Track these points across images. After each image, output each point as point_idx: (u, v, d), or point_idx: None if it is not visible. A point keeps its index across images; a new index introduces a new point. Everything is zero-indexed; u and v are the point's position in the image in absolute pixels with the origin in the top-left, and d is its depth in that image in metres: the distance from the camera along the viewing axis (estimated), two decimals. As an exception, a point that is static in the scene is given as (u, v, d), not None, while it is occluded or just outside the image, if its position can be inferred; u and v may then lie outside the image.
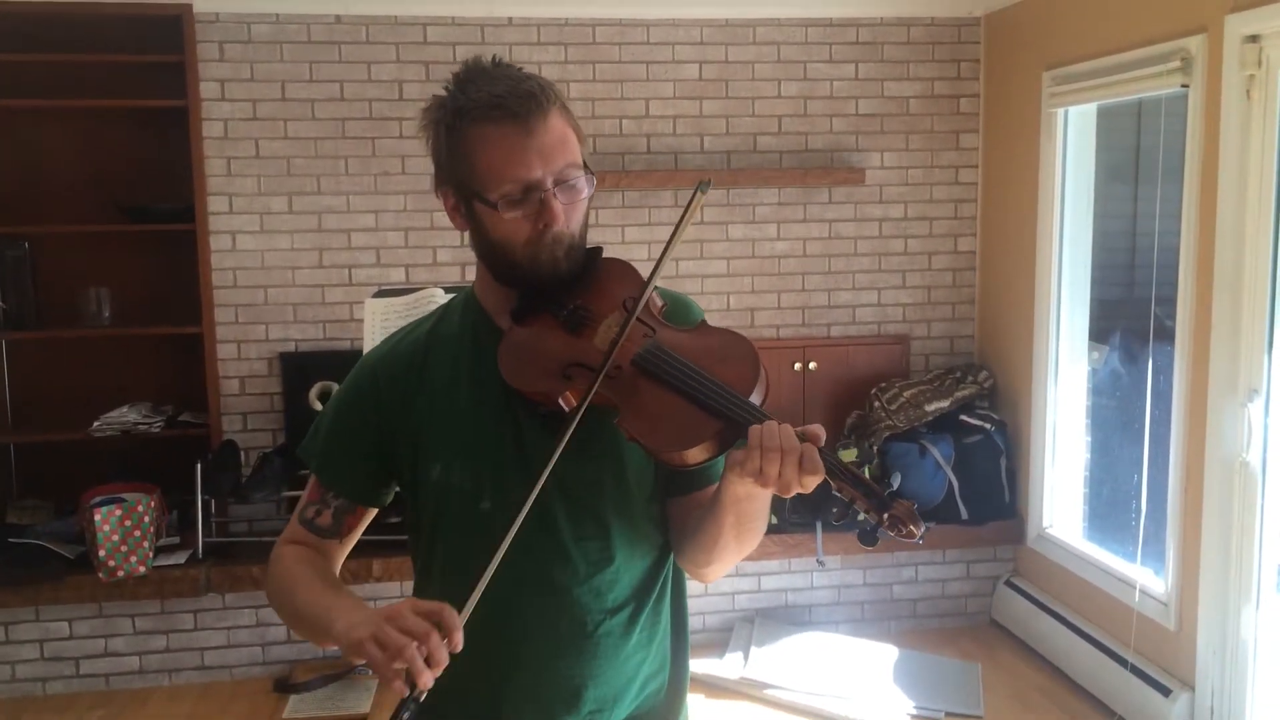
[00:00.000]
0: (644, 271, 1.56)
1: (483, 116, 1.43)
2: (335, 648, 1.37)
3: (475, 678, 1.53)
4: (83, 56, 4.06)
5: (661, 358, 1.43)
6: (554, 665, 1.54)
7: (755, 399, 1.39)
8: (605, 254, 1.60)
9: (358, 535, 1.67)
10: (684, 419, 1.38)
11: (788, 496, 1.33)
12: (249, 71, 4.24)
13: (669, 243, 1.49)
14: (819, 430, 1.33)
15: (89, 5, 3.99)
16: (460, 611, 1.30)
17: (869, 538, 1.31)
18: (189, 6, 4.09)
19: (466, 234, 1.55)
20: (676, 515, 1.59)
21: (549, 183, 1.44)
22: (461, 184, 1.49)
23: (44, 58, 4.06)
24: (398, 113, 4.31)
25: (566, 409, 1.43)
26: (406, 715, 1.26)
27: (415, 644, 1.24)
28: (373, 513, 1.67)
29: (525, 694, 1.54)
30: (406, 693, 1.25)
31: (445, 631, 1.27)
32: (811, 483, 1.31)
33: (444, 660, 1.26)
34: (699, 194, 1.47)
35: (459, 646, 1.27)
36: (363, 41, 4.29)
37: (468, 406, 1.54)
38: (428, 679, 1.25)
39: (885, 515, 1.29)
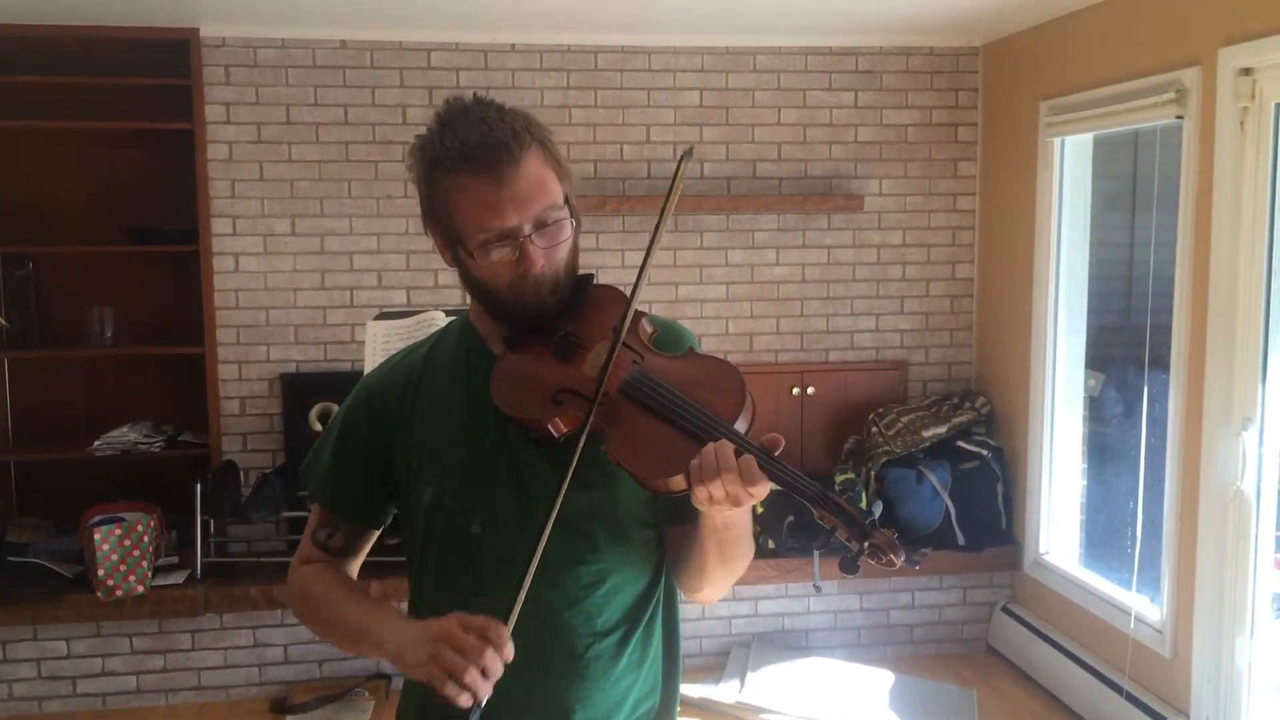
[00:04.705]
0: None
1: (454, 167, 1.44)
2: (365, 658, 1.42)
3: None
4: (90, 79, 4.09)
5: (647, 385, 1.44)
6: (543, 688, 1.55)
7: (741, 426, 1.40)
8: (599, 280, 1.61)
9: (368, 548, 1.71)
10: (669, 446, 1.39)
11: (739, 507, 1.36)
12: (254, 95, 4.28)
13: (656, 229, 1.48)
14: (774, 439, 1.35)
15: (97, 29, 4.04)
16: (506, 622, 1.36)
17: (850, 565, 1.33)
18: (196, 31, 4.14)
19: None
20: (674, 541, 1.61)
21: (526, 229, 1.45)
22: (443, 228, 1.51)
23: (52, 80, 4.10)
24: (401, 137, 4.34)
25: (556, 435, 1.45)
26: None
27: (470, 659, 1.31)
28: (378, 531, 1.70)
29: (515, 717, 1.55)
30: (469, 704, 1.32)
31: (497, 646, 1.33)
32: (761, 491, 1.33)
33: (499, 671, 1.33)
34: (684, 162, 1.46)
35: (511, 656, 1.34)
36: (367, 66, 4.33)
37: (461, 430, 1.56)
38: (487, 690, 1.32)
39: (866, 544, 1.30)
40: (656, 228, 1.49)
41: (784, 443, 1.36)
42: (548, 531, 1.40)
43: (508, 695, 1.54)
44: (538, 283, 1.48)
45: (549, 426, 1.45)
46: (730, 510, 1.36)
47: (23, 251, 4.20)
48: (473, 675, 1.30)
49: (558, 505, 1.40)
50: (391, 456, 1.59)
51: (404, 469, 1.59)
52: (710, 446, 1.33)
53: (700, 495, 1.33)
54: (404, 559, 1.69)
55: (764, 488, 1.32)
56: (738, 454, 1.32)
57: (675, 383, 1.45)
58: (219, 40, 4.23)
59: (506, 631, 1.34)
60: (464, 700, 1.30)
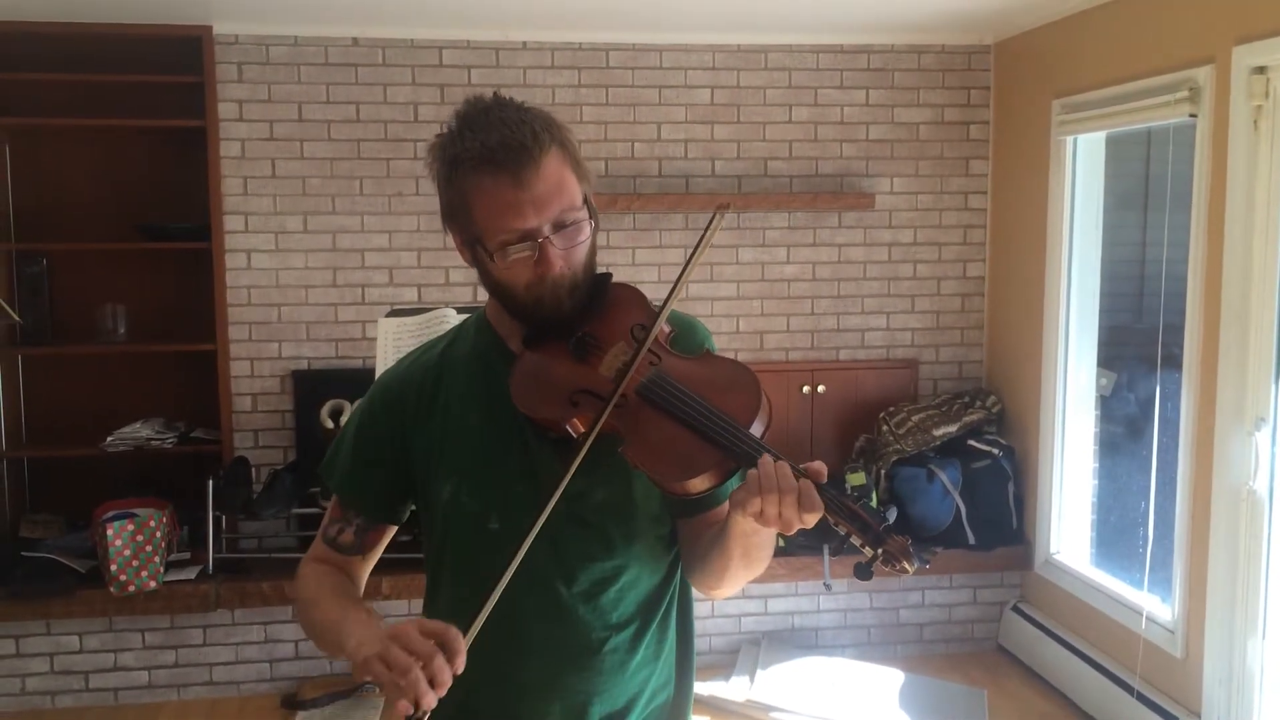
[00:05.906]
0: (652, 296, 1.58)
1: (474, 168, 1.45)
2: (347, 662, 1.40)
3: (484, 695, 1.57)
4: (103, 77, 4.11)
5: (665, 387, 1.45)
6: (561, 681, 1.56)
7: (757, 429, 1.40)
8: (615, 279, 1.61)
9: (381, 550, 1.70)
10: (686, 449, 1.39)
11: (790, 534, 1.35)
12: (267, 92, 4.29)
13: (684, 270, 1.50)
14: (820, 467, 1.34)
15: (110, 26, 4.05)
16: (466, 633, 1.33)
17: (864, 571, 1.32)
18: (209, 28, 4.15)
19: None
20: (687, 535, 1.61)
21: (546, 230, 1.45)
22: (462, 228, 1.52)
23: (65, 78, 4.12)
24: (412, 134, 4.35)
25: (574, 435, 1.45)
26: None
27: (420, 665, 1.28)
28: (394, 529, 1.70)
29: (534, 710, 1.57)
30: (411, 711, 1.28)
31: (449, 654, 1.30)
32: (812, 519, 1.32)
33: (447, 681, 1.29)
34: (717, 218, 1.47)
35: (461, 669, 1.31)
36: (379, 64, 4.34)
37: (478, 428, 1.57)
38: (431, 700, 1.28)
39: (880, 550, 1.30)
40: (681, 275, 1.48)
41: (826, 471, 1.35)
42: (540, 523, 1.39)
43: (527, 687, 1.55)
44: (556, 284, 1.48)
45: (567, 427, 1.46)
46: (775, 529, 1.34)
47: (36, 248, 4.22)
48: (415, 674, 1.26)
49: (556, 496, 1.40)
50: (409, 454, 1.60)
51: (422, 466, 1.59)
52: (769, 462, 1.32)
53: (752, 508, 1.31)
54: (413, 556, 1.69)
55: (817, 515, 1.31)
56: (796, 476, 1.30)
57: (692, 385, 1.45)
58: (232, 38, 4.24)
59: (462, 640, 1.31)
60: (403, 707, 1.27)
